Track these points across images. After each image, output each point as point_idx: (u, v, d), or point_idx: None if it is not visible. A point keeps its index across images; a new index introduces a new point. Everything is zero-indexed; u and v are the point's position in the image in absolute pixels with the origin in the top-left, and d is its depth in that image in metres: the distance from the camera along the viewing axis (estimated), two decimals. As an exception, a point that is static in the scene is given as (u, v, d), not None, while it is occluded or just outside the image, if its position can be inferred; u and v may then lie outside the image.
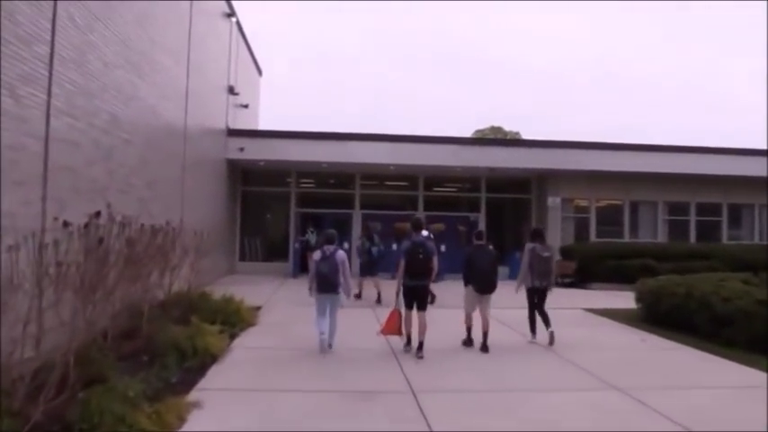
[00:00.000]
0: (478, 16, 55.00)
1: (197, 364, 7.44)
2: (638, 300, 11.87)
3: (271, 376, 7.29)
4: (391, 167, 20.65)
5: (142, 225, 9.20)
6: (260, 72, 27.49)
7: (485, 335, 8.84)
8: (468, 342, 9.09)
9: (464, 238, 22.16)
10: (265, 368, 7.65)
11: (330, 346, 8.58)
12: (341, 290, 8.57)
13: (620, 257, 18.10)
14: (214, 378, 7.10)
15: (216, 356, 7.79)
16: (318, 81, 51.92)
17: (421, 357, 8.17)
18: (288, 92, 48.40)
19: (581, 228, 21.82)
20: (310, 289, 8.75)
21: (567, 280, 18.30)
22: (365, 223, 17.09)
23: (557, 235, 21.18)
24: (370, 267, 14.33)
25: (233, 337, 9.33)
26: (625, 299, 14.84)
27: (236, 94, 19.93)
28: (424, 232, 8.96)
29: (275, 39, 49.88)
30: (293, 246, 19.98)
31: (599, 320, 12.01)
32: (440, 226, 21.92)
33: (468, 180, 22.64)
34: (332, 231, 8.92)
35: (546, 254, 9.47)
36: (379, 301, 13.32)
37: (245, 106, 21.87)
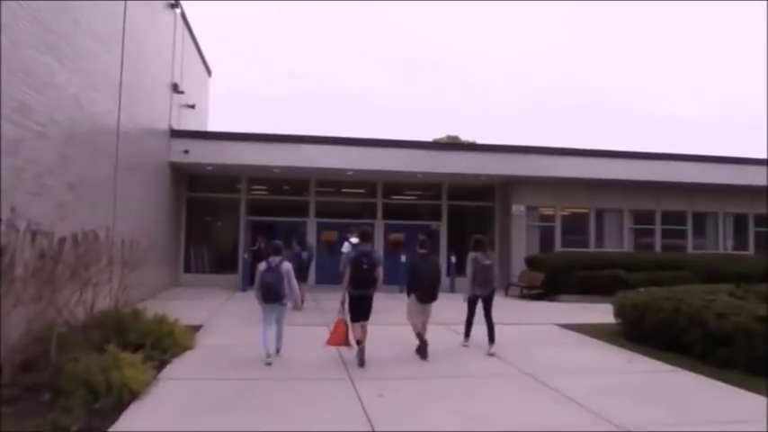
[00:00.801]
0: (435, 21, 54.54)
1: (111, 403, 6.03)
2: (619, 314, 10.89)
3: (202, 416, 5.95)
4: (349, 173, 19.43)
5: (59, 237, 7.71)
6: (209, 72, 25.93)
7: (425, 344, 8.86)
8: (421, 348, 8.89)
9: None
10: (196, 405, 6.29)
11: (278, 351, 8.68)
12: (286, 300, 8.64)
13: (589, 268, 17.26)
14: (129, 421, 5.71)
15: (136, 393, 6.39)
16: (273, 87, 50.36)
17: (361, 365, 8.13)
18: (240, 97, 46.64)
19: (546, 237, 20.99)
20: (258, 300, 8.65)
21: (535, 292, 17.34)
22: (296, 229, 17.50)
23: (521, 244, 20.33)
24: (301, 272, 13.73)
25: (162, 365, 7.93)
26: (598, 312, 13.99)
27: (181, 92, 18.42)
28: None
29: (225, 41, 48.12)
30: (242, 256, 18.49)
31: (576, 338, 10.99)
32: (398, 237, 20.85)
33: (430, 187, 21.58)
34: (278, 242, 9.04)
35: (487, 262, 9.48)
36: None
37: (192, 106, 20.35)
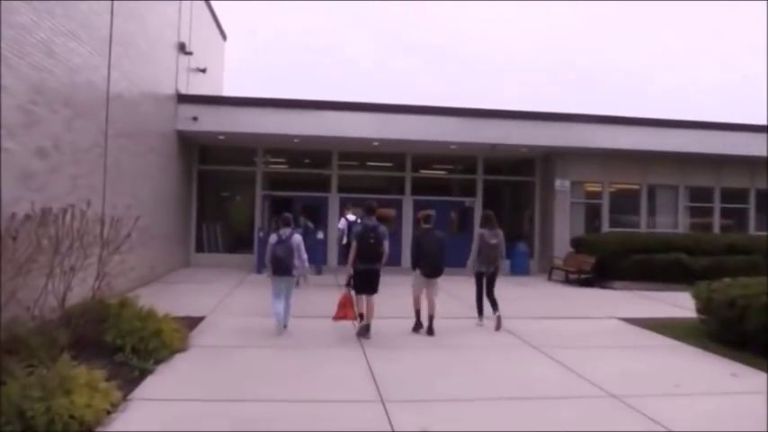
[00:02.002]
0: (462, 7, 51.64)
1: (50, 446, 4.37)
2: (705, 311, 8.94)
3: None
4: (375, 143, 17.55)
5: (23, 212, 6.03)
6: (224, 36, 24.12)
7: (430, 318, 8.79)
8: (417, 327, 8.95)
9: (456, 225, 19.34)
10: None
11: (285, 326, 8.61)
12: (296, 272, 8.69)
13: (646, 251, 15.22)
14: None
15: (90, 428, 4.69)
16: (296, 61, 48.27)
17: (367, 338, 8.22)
18: (259, 67, 44.60)
19: (591, 215, 18.97)
20: (267, 273, 9.03)
21: (584, 277, 15.40)
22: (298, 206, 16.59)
23: (565, 223, 18.34)
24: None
25: (142, 376, 6.25)
26: (664, 304, 12.20)
27: (189, 53, 16.64)
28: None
29: (245, 8, 45.83)
30: (257, 235, 16.79)
31: (650, 338, 9.07)
32: (429, 213, 18.98)
33: (463, 160, 19.62)
34: (288, 215, 9.06)
35: (493, 240, 9.44)
36: None
37: (203, 71, 18.56)
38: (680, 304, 11.70)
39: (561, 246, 18.01)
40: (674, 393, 6.25)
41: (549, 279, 16.63)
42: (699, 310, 9.10)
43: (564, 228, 18.30)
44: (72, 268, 7.60)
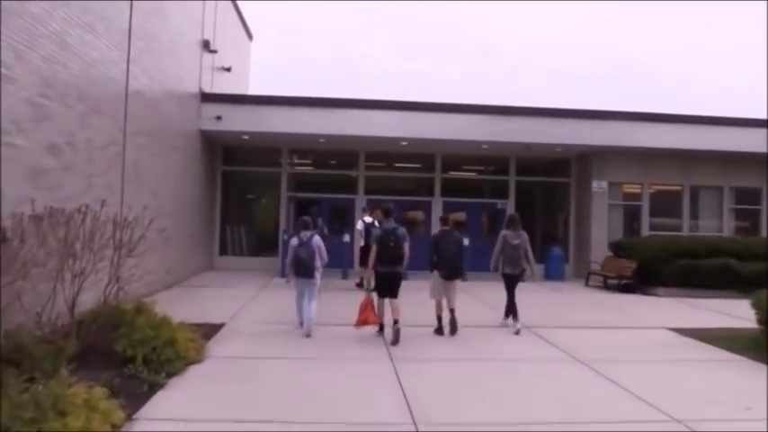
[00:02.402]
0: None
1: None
2: (766, 321, 8.14)
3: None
4: (403, 143, 16.96)
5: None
6: (250, 36, 23.76)
7: (452, 311, 8.75)
8: (439, 331, 8.76)
9: (487, 228, 18.66)
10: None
11: (308, 335, 8.34)
12: (317, 274, 8.58)
13: (691, 255, 14.34)
14: None
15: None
16: (323, 63, 47.78)
17: (396, 344, 7.92)
18: (286, 68, 44.26)
19: (630, 218, 18.09)
20: (288, 275, 9.01)
21: (624, 282, 14.56)
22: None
23: (602, 226, 17.51)
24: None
25: (152, 390, 5.73)
26: (715, 313, 11.41)
27: (213, 51, 16.24)
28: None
29: (272, 9, 45.35)
30: (282, 237, 16.28)
31: (706, 352, 8.27)
32: (459, 215, 18.39)
33: (495, 160, 18.89)
34: (307, 218, 9.02)
35: (515, 241, 9.36)
36: None
37: (228, 69, 18.18)
38: (732, 313, 10.92)
39: (598, 250, 17.19)
40: (747, 418, 5.51)
41: (587, 285, 15.83)
42: (760, 321, 8.29)
43: (601, 231, 17.47)
44: (83, 272, 7.14)
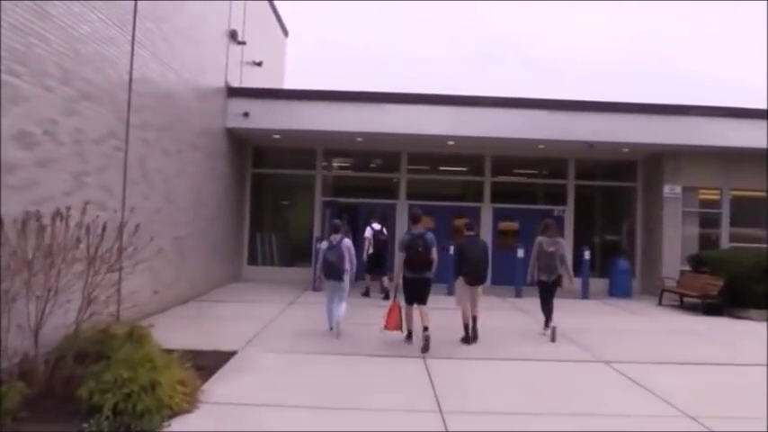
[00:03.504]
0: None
1: None
2: None
3: None
4: (450, 142, 15.25)
5: None
6: (285, 32, 22.42)
7: (474, 319, 8.72)
8: (466, 339, 8.66)
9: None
10: None
11: (338, 335, 8.61)
12: (346, 277, 8.70)
13: (791, 273, 12.18)
14: None
15: None
16: (362, 64, 46.21)
17: (426, 352, 7.82)
18: (323, 68, 42.85)
19: (708, 228, 15.95)
20: (318, 278, 10.09)
21: (709, 302, 12.49)
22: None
23: (675, 236, 15.45)
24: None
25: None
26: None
27: (242, 42, 14.85)
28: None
29: (309, 8, 43.69)
30: (315, 246, 14.71)
31: None
32: (512, 226, 16.61)
33: (552, 162, 16.99)
34: (338, 221, 9.32)
35: (550, 248, 9.34)
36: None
37: (259, 64, 16.80)
38: None
39: (670, 263, 15.17)
40: None
41: (660, 304, 13.78)
42: None
43: (674, 242, 15.40)
44: (50, 290, 5.68)
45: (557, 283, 9.41)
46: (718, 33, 48.30)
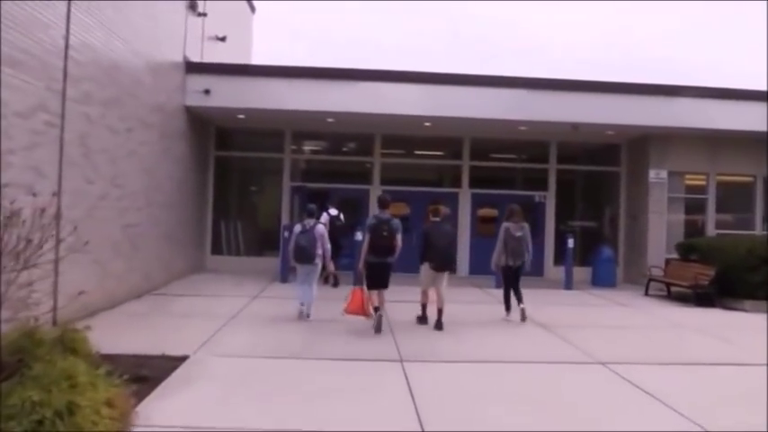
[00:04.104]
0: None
1: None
2: None
3: None
4: (427, 123, 14.35)
5: None
6: (252, 8, 21.23)
7: (439, 312, 8.58)
8: (422, 319, 8.90)
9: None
10: None
11: (308, 315, 8.87)
12: (317, 261, 8.87)
13: (784, 261, 11.59)
14: None
15: None
16: (338, 49, 44.75)
17: (378, 331, 8.05)
18: (295, 48, 41.36)
19: (693, 214, 15.37)
20: (289, 268, 10.57)
21: (700, 292, 11.84)
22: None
23: (660, 224, 14.86)
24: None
25: None
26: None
27: (202, 14, 13.71)
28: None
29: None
30: (283, 235, 13.73)
31: None
32: (492, 213, 15.79)
33: (533, 146, 16.21)
34: (312, 206, 9.38)
35: (518, 233, 9.46)
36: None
37: (222, 39, 15.66)
38: None
39: (656, 251, 14.59)
40: None
41: (646, 294, 13.13)
42: None
43: (659, 229, 14.78)
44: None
45: (521, 267, 9.52)
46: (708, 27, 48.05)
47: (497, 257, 9.61)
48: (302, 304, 8.92)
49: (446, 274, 8.78)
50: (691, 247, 13.02)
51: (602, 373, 6.55)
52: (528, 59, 41.26)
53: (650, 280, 13.26)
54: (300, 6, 49.56)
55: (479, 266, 14.27)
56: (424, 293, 8.86)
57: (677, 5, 44.95)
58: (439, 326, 8.49)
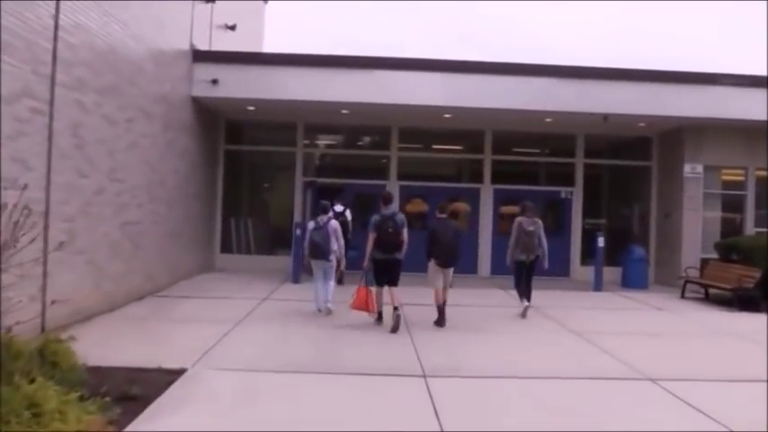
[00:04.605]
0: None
1: None
2: None
3: None
4: (447, 115, 13.57)
5: None
6: (265, -2, 20.57)
7: (444, 303, 8.59)
8: (439, 322, 8.50)
9: (551, 223, 15.28)
10: None
11: (329, 311, 8.80)
12: (332, 257, 8.86)
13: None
14: None
15: None
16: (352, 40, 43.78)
17: (395, 330, 7.88)
18: (309, 41, 40.62)
19: (730, 211, 14.45)
20: (303, 265, 10.72)
21: (744, 294, 10.94)
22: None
23: (697, 222, 13.92)
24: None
25: None
26: None
27: (210, 0, 13.01)
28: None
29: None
30: (295, 233, 13.00)
31: None
32: (514, 210, 14.96)
33: (559, 139, 15.34)
34: (326, 202, 9.32)
35: (530, 228, 9.47)
36: None
37: (232, 28, 14.97)
38: None
39: (691, 251, 13.68)
40: None
41: (683, 296, 12.26)
42: None
43: (695, 227, 13.87)
44: None
45: (534, 262, 9.53)
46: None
47: (511, 252, 9.63)
48: (319, 310, 8.90)
49: (451, 271, 8.73)
50: (731, 247, 12.13)
51: (654, 393, 5.73)
52: (529, 59, 40.14)
53: (687, 282, 12.38)
54: (314, 5, 48.68)
55: (502, 266, 13.32)
56: (437, 294, 8.59)
57: (681, 6, 43.68)
58: (441, 320, 8.47)
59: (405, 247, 8.31)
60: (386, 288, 8.37)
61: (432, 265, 8.65)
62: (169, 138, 11.11)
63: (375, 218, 8.34)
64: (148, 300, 9.87)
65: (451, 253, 8.60)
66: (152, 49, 10.19)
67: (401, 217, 8.37)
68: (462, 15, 49.79)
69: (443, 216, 8.90)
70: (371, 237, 8.25)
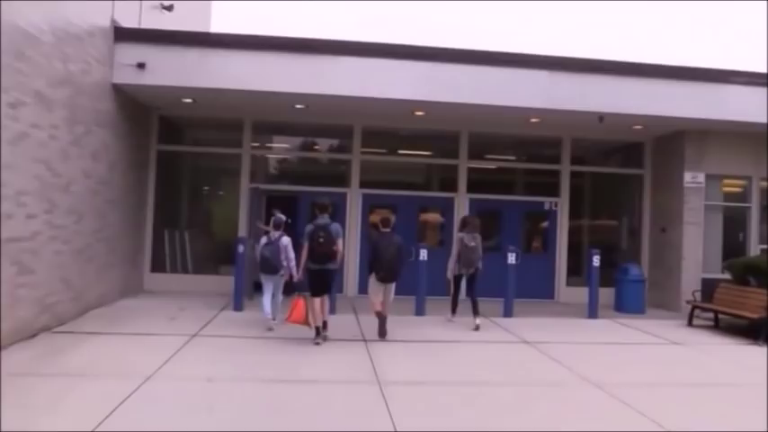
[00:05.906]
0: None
1: None
2: None
3: None
4: (419, 112, 11.68)
5: None
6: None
7: (384, 319, 8.51)
8: (382, 333, 8.46)
9: (533, 238, 13.71)
10: None
11: (274, 319, 8.76)
12: (283, 272, 8.76)
13: None
14: None
15: None
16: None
17: (318, 343, 7.88)
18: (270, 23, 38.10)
19: (732, 226, 12.95)
20: (254, 280, 10.51)
21: (745, 322, 9.30)
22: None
23: (696, 236, 12.37)
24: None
25: None
26: None
27: (139, -31, 10.84)
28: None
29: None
30: (238, 250, 10.85)
31: None
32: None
33: (542, 142, 13.60)
34: (281, 217, 9.11)
35: (472, 243, 9.71)
36: None
37: (169, 8, 12.77)
38: None
39: (692, 271, 12.11)
40: None
41: (690, 324, 10.60)
42: None
43: (696, 244, 12.31)
44: None
45: (474, 275, 9.79)
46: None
47: (453, 267, 9.86)
48: (274, 318, 8.77)
49: (392, 286, 8.69)
50: (747, 267, 10.51)
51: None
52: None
53: (694, 307, 10.73)
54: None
55: (485, 287, 11.38)
56: (374, 304, 8.59)
57: (681, 6, 43.12)
58: (382, 333, 8.42)
59: (339, 256, 8.16)
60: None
61: (372, 278, 8.66)
62: (78, 132, 8.86)
63: (308, 227, 8.16)
64: (42, 338, 7.63)
65: (391, 269, 8.49)
66: (51, 18, 7.97)
67: (335, 226, 8.16)
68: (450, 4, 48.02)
69: (387, 230, 8.75)
70: (305, 247, 8.04)
